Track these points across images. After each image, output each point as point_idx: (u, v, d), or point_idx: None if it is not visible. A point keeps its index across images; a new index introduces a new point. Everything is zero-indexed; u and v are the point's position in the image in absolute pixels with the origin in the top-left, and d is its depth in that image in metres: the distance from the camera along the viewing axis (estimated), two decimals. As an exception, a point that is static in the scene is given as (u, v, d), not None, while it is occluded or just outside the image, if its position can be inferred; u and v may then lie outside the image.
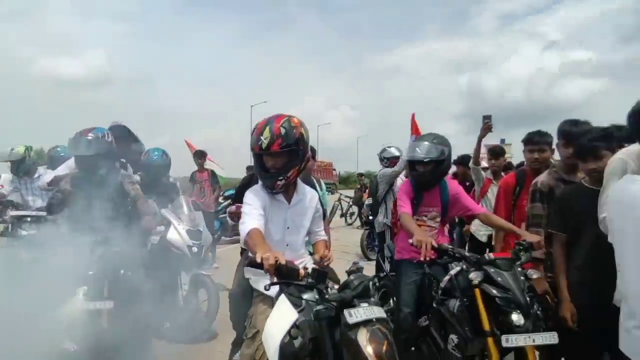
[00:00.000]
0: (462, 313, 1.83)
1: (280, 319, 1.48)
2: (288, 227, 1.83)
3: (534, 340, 1.59)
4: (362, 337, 1.27)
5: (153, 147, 3.27)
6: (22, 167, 3.68)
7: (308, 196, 1.91)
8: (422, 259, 1.83)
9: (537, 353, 1.69)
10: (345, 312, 1.31)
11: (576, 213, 1.83)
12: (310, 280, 1.41)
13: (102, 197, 2.30)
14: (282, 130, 1.68)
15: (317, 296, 1.41)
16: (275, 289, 1.53)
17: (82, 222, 2.27)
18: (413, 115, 4.14)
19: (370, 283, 1.46)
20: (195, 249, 3.02)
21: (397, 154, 4.02)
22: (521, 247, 1.88)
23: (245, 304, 1.88)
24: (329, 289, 1.45)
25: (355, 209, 10.63)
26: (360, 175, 12.52)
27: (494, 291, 1.70)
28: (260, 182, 1.84)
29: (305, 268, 1.46)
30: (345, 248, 7.20)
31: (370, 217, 4.65)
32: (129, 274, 2.36)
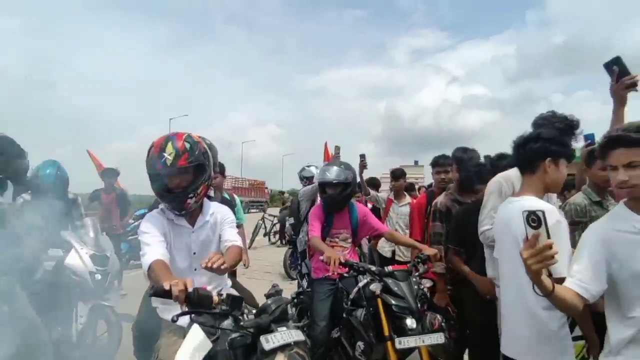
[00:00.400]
0: (367, 321, 2.01)
1: (191, 351, 1.38)
2: (194, 253, 1.72)
3: (423, 341, 1.83)
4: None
5: (44, 162, 2.80)
6: None
7: (216, 213, 1.79)
8: (330, 273, 1.97)
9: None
10: (262, 338, 1.29)
11: (471, 230, 2.11)
12: (224, 307, 1.32)
13: None
14: (187, 145, 1.60)
15: (233, 324, 1.35)
16: (186, 319, 1.40)
17: None
18: (325, 144, 4.47)
19: (288, 305, 1.47)
20: (98, 276, 2.74)
21: (316, 172, 4.23)
22: (419, 260, 2.16)
23: (152, 335, 1.74)
24: (245, 315, 1.39)
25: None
26: (282, 193, 12.58)
27: (392, 300, 1.92)
28: (158, 207, 1.73)
29: (219, 294, 1.36)
30: (268, 268, 7.15)
31: (294, 236, 4.75)
32: (5, 308, 2.05)
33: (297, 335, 1.35)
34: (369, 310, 2.03)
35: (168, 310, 1.60)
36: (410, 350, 1.88)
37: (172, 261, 1.64)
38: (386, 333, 1.88)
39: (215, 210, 1.80)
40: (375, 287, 1.95)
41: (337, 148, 3.84)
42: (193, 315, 1.35)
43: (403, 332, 1.85)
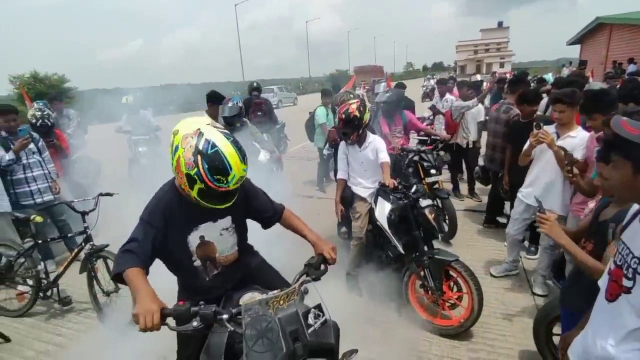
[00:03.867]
0: (413, 172, 4.30)
1: (383, 207, 2.99)
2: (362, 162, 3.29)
3: (439, 178, 4.12)
4: (427, 212, 2.78)
5: None
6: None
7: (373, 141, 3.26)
8: (395, 152, 4.21)
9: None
10: (421, 201, 2.81)
11: None
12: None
13: None
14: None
15: (401, 195, 2.88)
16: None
17: None
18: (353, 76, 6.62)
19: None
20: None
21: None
22: (439, 141, 4.28)
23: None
24: (411, 192, 3.12)
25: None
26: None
27: (425, 163, 4.15)
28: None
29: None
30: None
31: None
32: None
33: (429, 202, 3.01)
34: (414, 168, 4.27)
35: (358, 190, 4.09)
36: (434, 183, 4.15)
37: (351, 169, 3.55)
38: (422, 177, 4.15)
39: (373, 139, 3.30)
40: (417, 157, 4.16)
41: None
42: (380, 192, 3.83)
43: (430, 176, 4.13)
